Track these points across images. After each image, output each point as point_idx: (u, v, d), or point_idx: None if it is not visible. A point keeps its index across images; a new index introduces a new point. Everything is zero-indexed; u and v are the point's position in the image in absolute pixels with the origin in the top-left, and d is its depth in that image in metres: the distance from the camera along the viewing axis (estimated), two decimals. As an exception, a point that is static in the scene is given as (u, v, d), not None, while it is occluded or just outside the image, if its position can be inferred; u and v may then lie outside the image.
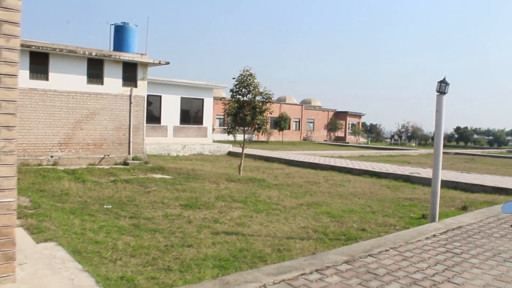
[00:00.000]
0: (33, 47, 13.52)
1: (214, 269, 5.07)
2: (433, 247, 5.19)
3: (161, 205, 8.69)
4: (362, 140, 58.53)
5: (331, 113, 57.48)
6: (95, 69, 15.03)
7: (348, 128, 58.28)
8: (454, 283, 4.00)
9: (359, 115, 60.50)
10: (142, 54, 16.08)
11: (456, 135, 67.04)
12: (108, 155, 15.29)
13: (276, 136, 45.70)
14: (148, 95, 17.51)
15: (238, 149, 19.61)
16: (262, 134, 14.68)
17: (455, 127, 68.22)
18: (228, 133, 14.93)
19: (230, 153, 23.67)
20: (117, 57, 15.28)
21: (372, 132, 66.59)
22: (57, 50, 14.00)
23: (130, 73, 15.80)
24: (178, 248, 5.83)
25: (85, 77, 14.82)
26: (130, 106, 15.66)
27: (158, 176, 12.93)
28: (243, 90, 14.00)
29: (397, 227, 7.64)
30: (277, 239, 6.55)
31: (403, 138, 63.81)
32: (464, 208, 9.53)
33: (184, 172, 13.77)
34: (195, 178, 12.63)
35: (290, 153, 24.54)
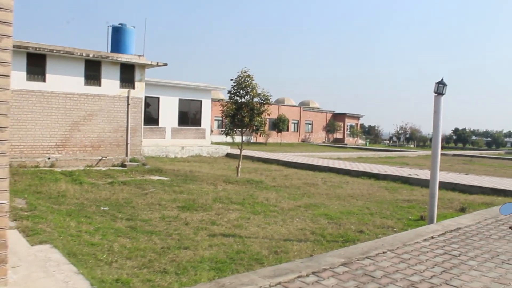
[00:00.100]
0: (30, 49, 13.48)
1: (211, 272, 5.03)
2: (431, 249, 5.15)
3: (158, 207, 8.64)
4: (360, 141, 58.56)
5: (329, 115, 57.49)
6: (92, 70, 14.99)
7: (347, 129, 58.29)
8: (452, 285, 3.97)
9: (357, 117, 60.53)
10: (139, 56, 16.04)
11: (454, 137, 67.17)
12: (106, 157, 15.23)
13: (274, 137, 45.68)
14: (146, 97, 17.48)
15: (236, 151, 19.60)
16: (260, 135, 14.61)
17: (453, 129, 68.43)
18: (226, 134, 14.90)
19: (228, 155, 23.62)
20: (115, 58, 15.24)
21: (371, 133, 66.68)
22: (54, 51, 13.96)
23: (127, 74, 15.76)
24: (175, 250, 5.79)
25: (82, 79, 14.77)
26: (127, 107, 15.61)
27: (156, 178, 12.88)
28: (241, 91, 13.97)
29: (395, 229, 7.60)
30: (275, 241, 6.51)
31: (401, 139, 63.88)
32: (462, 210, 9.50)
33: (181, 173, 13.73)
34: (193, 180, 12.58)
35: (288, 155, 24.50)
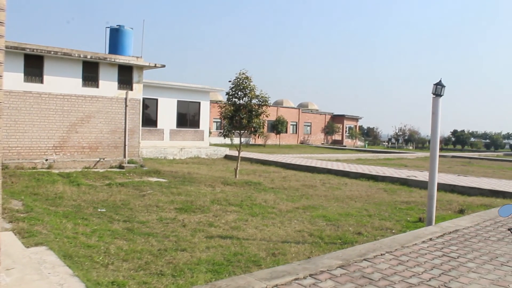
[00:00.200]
0: (28, 50, 13.43)
1: (207, 274, 4.99)
2: (429, 251, 5.12)
3: (155, 209, 8.59)
4: (359, 143, 58.54)
5: (328, 117, 57.47)
6: (90, 72, 14.94)
7: (345, 131, 58.28)
8: (451, 287, 3.94)
9: (356, 119, 60.53)
10: (137, 57, 16.00)
11: (453, 138, 67.17)
12: (104, 159, 15.18)
13: (273, 139, 45.65)
14: (144, 98, 17.43)
15: (234, 153, 19.55)
16: (258, 137, 14.56)
17: (452, 130, 68.43)
18: (225, 136, 14.88)
19: (226, 157, 23.58)
20: (113, 60, 15.20)
21: (369, 135, 66.68)
22: (52, 52, 13.91)
23: (125, 76, 15.72)
24: (172, 252, 5.75)
25: (80, 80, 14.73)
26: (125, 109, 15.57)
27: (154, 179, 12.84)
28: (239, 93, 13.94)
29: (393, 231, 7.57)
30: (272, 243, 6.47)
31: (400, 141, 63.84)
32: (461, 212, 9.47)
33: (180, 175, 13.69)
34: (191, 181, 12.54)
35: (287, 157, 24.47)
